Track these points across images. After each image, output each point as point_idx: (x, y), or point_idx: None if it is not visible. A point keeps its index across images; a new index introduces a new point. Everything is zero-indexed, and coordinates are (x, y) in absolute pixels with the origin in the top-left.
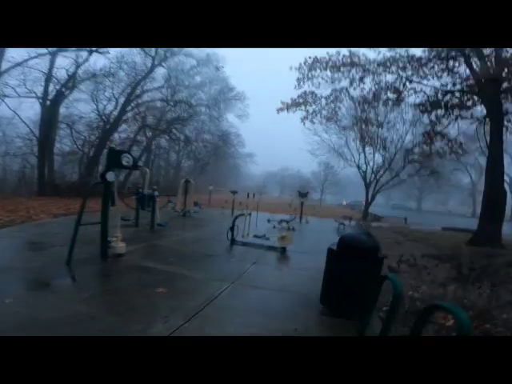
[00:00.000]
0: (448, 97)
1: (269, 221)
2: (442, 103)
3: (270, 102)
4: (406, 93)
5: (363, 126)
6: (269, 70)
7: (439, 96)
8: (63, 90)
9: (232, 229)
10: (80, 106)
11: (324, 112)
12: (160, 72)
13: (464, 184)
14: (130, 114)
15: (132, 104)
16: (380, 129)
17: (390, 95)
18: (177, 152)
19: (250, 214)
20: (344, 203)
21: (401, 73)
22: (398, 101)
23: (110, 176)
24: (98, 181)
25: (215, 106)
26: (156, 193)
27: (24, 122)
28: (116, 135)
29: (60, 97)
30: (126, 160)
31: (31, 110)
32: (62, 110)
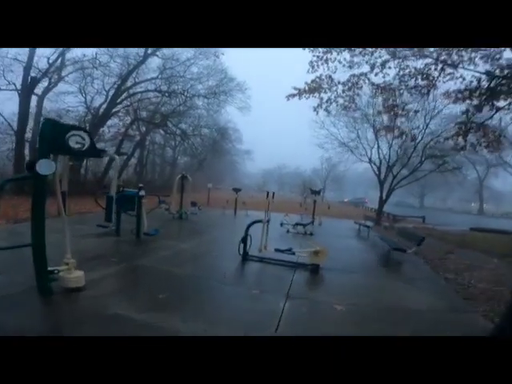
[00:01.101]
0: (494, 83)
1: (282, 224)
2: (485, 90)
3: (270, 94)
4: (440, 79)
5: (382, 116)
6: (272, 58)
7: (482, 82)
8: (49, 81)
9: (245, 241)
10: (68, 99)
11: (340, 100)
12: (155, 62)
13: (469, 180)
14: (121, 107)
15: (123, 95)
16: (401, 119)
17: (420, 82)
18: (173, 148)
19: (268, 221)
20: (345, 200)
21: (437, 56)
22: (429, 87)
23: (45, 166)
24: (24, 174)
25: (214, 97)
26: (142, 192)
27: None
28: (106, 129)
29: (45, 89)
30: (77, 141)
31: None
32: (48, 104)
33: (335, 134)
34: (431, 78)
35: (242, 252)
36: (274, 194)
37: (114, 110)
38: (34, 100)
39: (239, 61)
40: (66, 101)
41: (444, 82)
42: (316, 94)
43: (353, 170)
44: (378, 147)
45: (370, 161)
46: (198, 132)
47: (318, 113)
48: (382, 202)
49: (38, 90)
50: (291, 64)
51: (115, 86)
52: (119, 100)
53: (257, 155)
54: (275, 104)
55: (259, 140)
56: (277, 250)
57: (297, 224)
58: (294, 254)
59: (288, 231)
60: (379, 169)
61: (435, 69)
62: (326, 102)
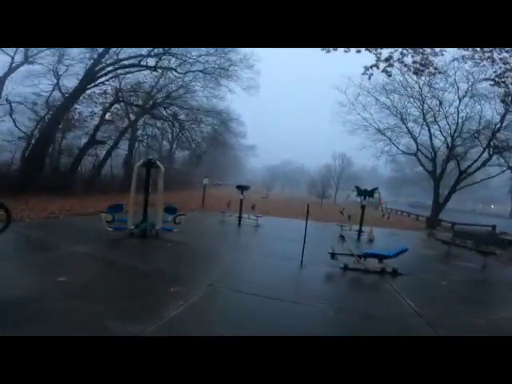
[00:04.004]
0: None
1: (342, 239)
2: None
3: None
4: None
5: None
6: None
7: None
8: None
9: None
10: (39, 81)
11: (409, 58)
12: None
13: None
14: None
15: (103, 73)
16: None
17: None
18: (169, 141)
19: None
20: (351, 199)
21: None
22: None
23: None
24: None
25: (214, 73)
26: None
27: None
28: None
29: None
30: None
31: None
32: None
33: (368, 119)
34: None
35: None
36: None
37: (88, 90)
38: None
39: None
40: (35, 82)
41: None
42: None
43: (359, 166)
44: (431, 136)
45: (418, 151)
46: (193, 118)
47: (370, 77)
48: (438, 206)
49: None
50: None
51: (91, 62)
52: (97, 78)
53: (260, 151)
54: (279, 96)
55: (263, 134)
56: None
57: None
58: None
59: (361, 258)
60: (434, 162)
61: None
62: (387, 60)
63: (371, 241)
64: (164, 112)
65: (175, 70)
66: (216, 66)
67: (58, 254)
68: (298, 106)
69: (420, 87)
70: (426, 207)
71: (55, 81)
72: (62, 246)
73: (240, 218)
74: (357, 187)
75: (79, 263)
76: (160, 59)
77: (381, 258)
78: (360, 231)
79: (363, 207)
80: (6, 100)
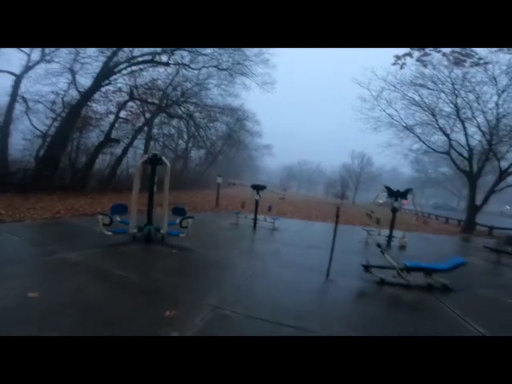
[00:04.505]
0: None
1: (381, 250)
2: None
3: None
4: None
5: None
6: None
7: None
8: (28, 58)
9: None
10: (56, 80)
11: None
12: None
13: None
14: (115, 86)
15: (116, 69)
16: None
17: None
18: (185, 139)
19: None
20: (380, 201)
21: None
22: None
23: None
24: None
25: (229, 70)
26: None
27: None
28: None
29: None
30: None
31: None
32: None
33: (393, 115)
34: None
35: None
36: None
37: (103, 88)
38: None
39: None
40: (53, 81)
41: None
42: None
43: (379, 168)
44: (466, 134)
45: (450, 149)
46: (208, 115)
47: (402, 66)
48: (474, 210)
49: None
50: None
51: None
52: (111, 76)
53: (276, 150)
54: (296, 93)
55: (279, 133)
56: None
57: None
58: None
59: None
60: (470, 161)
61: None
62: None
63: (403, 247)
64: (179, 110)
65: (188, 66)
66: (230, 62)
67: (43, 262)
68: (315, 102)
69: (453, 81)
70: (449, 209)
71: (71, 79)
72: (53, 251)
73: (255, 220)
74: (387, 187)
75: (64, 274)
76: (173, 53)
77: (430, 271)
78: (391, 236)
79: (394, 210)
80: (23, 98)
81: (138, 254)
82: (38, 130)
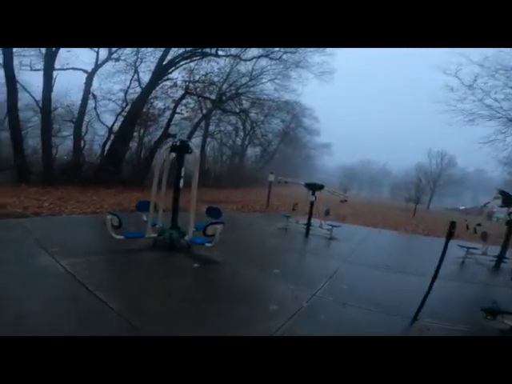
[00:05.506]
0: None
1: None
2: None
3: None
4: None
5: None
6: None
7: None
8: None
9: None
10: (122, 77)
11: None
12: None
13: None
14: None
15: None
16: None
17: None
18: (241, 137)
19: None
20: (461, 208)
21: None
22: None
23: None
24: None
25: (281, 59)
26: None
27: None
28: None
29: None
30: None
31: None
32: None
33: (493, 106)
34: None
35: None
36: None
37: (160, 84)
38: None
39: None
40: (118, 79)
41: None
42: None
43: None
44: None
45: None
46: (262, 111)
47: None
48: None
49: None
50: None
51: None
52: (167, 71)
53: (335, 149)
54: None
55: (338, 130)
56: None
57: None
58: None
59: None
60: None
61: None
62: None
63: None
64: (234, 107)
65: (239, 58)
66: (282, 51)
67: (16, 271)
68: (381, 93)
69: None
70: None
71: (134, 76)
72: (40, 256)
73: (308, 225)
74: (503, 192)
75: (40, 289)
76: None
77: None
78: (502, 257)
79: (510, 223)
80: (93, 95)
81: (145, 266)
82: (105, 125)
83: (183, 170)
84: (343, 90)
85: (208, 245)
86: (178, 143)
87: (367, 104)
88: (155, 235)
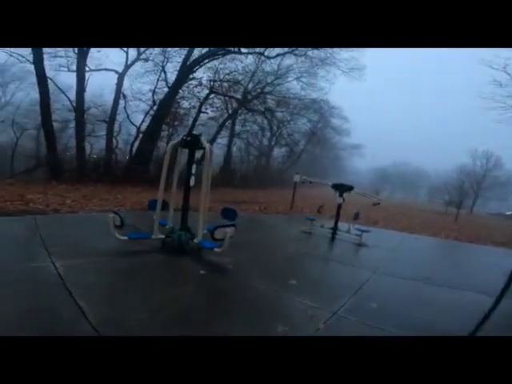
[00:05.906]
0: None
1: None
2: None
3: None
4: None
5: None
6: None
7: None
8: (126, 57)
9: None
10: (152, 77)
11: None
12: None
13: None
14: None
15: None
16: None
17: None
18: (267, 137)
19: None
20: (507, 213)
21: None
22: None
23: None
24: None
25: (307, 55)
26: None
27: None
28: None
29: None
30: None
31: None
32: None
33: None
34: None
35: None
36: None
37: (186, 83)
38: (109, 77)
39: None
40: (147, 79)
41: None
42: None
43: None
44: None
45: None
46: (288, 110)
47: None
48: None
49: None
50: None
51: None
52: (192, 69)
53: (366, 150)
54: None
55: (369, 130)
56: None
57: None
58: None
59: None
60: None
61: None
62: None
63: None
64: (260, 107)
65: (263, 55)
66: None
67: (14, 273)
68: (418, 90)
69: None
70: None
71: (161, 75)
72: (36, 257)
73: (335, 229)
74: None
75: (16, 292)
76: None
77: None
78: None
79: None
80: (123, 95)
81: (143, 272)
82: (134, 125)
83: (194, 166)
84: (376, 87)
85: (217, 250)
86: (187, 138)
87: (404, 103)
88: (163, 236)
